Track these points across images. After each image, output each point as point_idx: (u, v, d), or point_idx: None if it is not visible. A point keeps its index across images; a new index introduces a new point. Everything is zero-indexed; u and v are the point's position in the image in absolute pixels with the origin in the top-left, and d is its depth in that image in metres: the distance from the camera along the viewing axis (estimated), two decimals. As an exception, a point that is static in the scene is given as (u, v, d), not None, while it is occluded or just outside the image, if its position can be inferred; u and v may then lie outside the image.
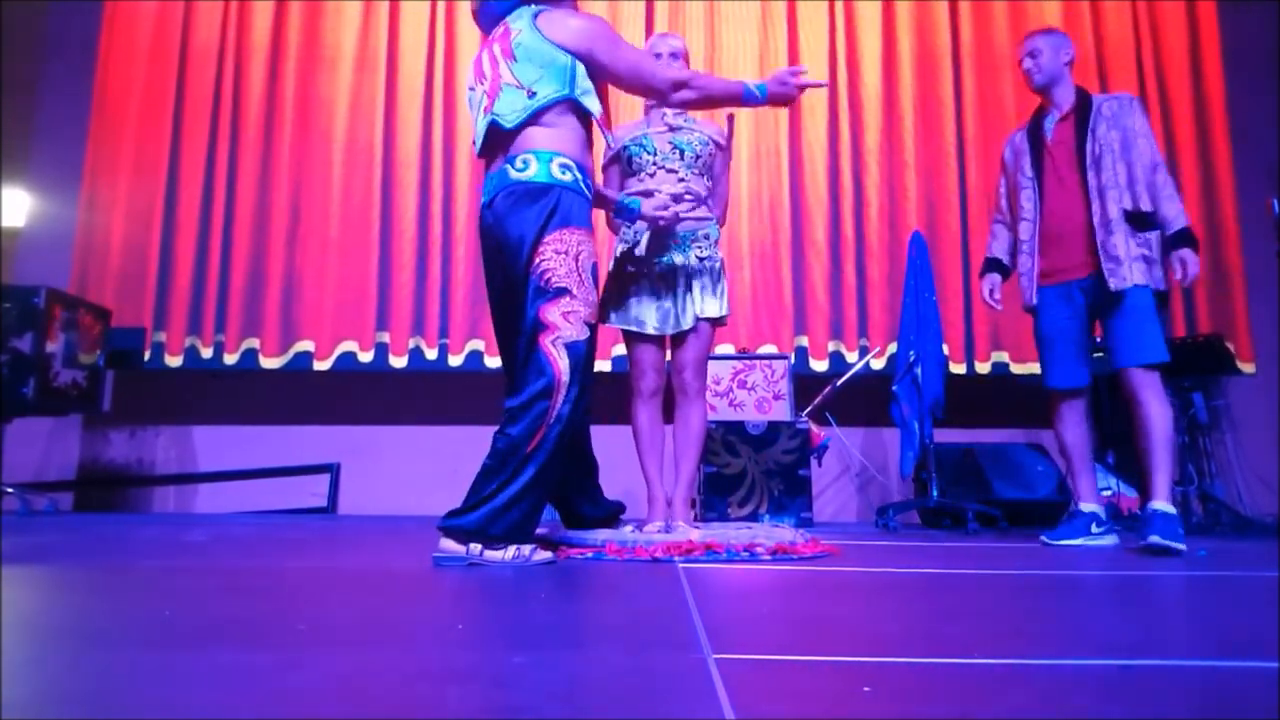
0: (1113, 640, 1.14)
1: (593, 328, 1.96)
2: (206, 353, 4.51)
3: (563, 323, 1.87)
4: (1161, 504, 2.47)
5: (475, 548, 1.85)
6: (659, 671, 0.89)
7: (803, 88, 2.10)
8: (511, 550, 1.87)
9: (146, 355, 4.49)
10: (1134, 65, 4.77)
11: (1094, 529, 2.73)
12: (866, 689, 0.81)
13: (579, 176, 1.98)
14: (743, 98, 2.09)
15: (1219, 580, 1.88)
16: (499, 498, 1.84)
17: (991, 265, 3.03)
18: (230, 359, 4.50)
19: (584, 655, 1.00)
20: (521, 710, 0.73)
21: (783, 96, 2.10)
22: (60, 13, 4.92)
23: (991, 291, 3.00)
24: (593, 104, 2.02)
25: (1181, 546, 2.36)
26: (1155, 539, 2.38)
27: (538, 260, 1.91)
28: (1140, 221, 2.68)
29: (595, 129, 2.09)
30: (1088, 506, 2.77)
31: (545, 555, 1.94)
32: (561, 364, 1.86)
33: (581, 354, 1.89)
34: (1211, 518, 3.83)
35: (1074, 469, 2.83)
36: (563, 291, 1.88)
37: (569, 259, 1.90)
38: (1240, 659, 0.99)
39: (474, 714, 0.71)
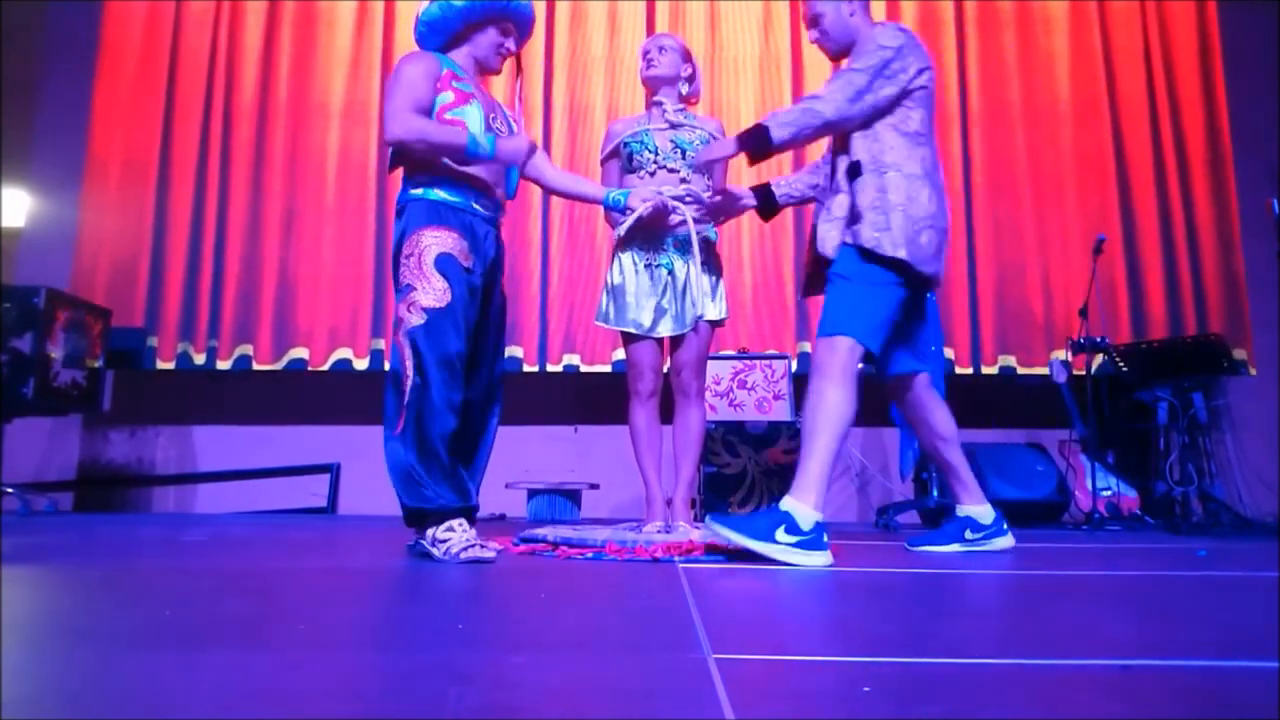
0: (1113, 640, 1.14)
1: (437, 310, 1.99)
2: (199, 358, 4.51)
3: (406, 314, 2.01)
4: (794, 502, 2.10)
5: (428, 534, 1.97)
6: (659, 671, 0.89)
7: (530, 147, 2.12)
8: (458, 535, 1.94)
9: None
10: (1142, 66, 4.76)
11: (968, 535, 2.40)
12: (866, 689, 0.81)
13: (429, 185, 2.10)
14: (466, 152, 2.04)
15: (1219, 580, 1.88)
16: (411, 486, 1.96)
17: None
18: (223, 364, 4.50)
19: (584, 655, 1.00)
20: (521, 710, 0.73)
21: (512, 153, 2.11)
22: (60, 13, 4.92)
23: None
24: None
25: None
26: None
27: (398, 271, 2.07)
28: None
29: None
30: (965, 510, 2.43)
31: (490, 552, 1.94)
32: (407, 351, 1.99)
33: (418, 335, 1.98)
34: (1211, 518, 3.82)
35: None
36: (409, 288, 2.02)
37: (414, 259, 2.04)
38: (1240, 659, 0.99)
39: (474, 714, 0.71)
